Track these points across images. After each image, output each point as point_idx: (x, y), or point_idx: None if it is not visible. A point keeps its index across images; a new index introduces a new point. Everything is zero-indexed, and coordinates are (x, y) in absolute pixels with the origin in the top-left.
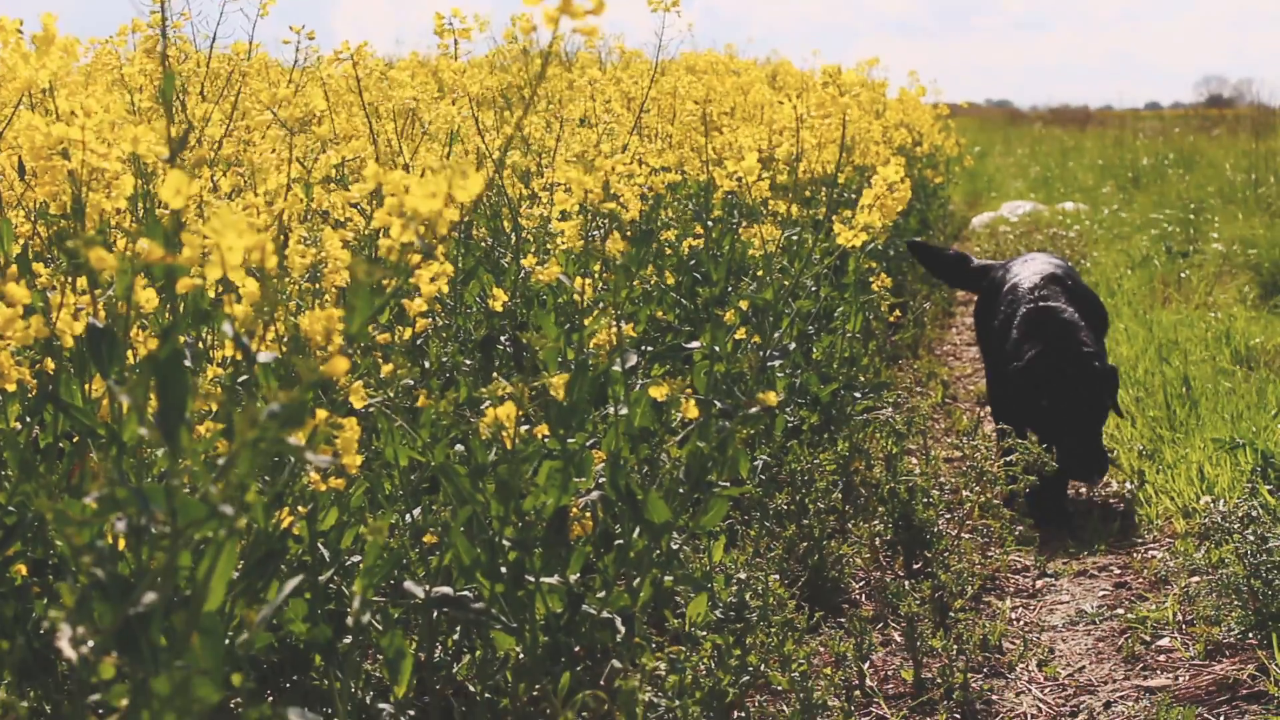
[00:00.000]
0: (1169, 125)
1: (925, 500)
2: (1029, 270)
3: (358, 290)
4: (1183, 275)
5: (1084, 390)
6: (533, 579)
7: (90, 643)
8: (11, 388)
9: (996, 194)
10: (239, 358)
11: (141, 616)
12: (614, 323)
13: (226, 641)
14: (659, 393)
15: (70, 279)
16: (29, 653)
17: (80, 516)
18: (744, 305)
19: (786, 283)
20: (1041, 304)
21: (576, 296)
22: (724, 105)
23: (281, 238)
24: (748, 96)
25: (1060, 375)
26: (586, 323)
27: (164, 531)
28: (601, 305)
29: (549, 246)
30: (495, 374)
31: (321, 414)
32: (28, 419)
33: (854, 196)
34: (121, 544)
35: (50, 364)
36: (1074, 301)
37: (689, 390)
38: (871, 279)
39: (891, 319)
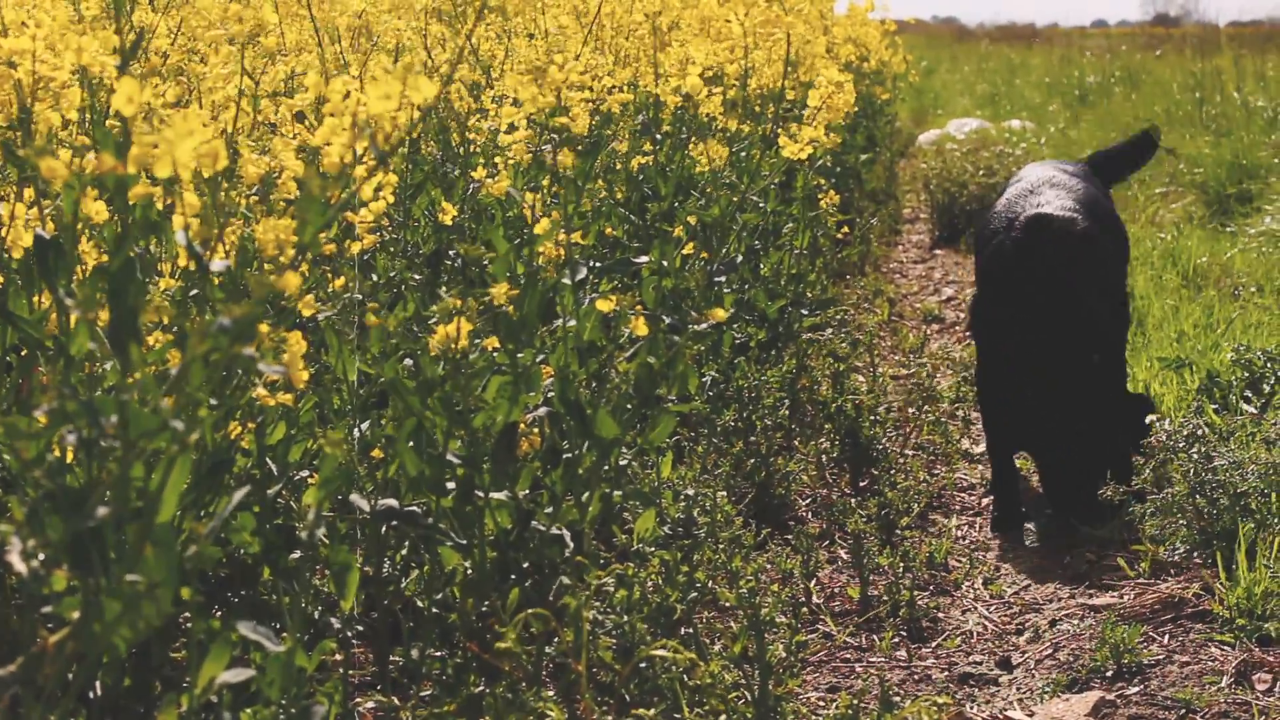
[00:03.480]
0: (1115, 43)
1: (872, 418)
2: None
3: (309, 201)
4: (1129, 194)
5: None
6: (481, 494)
7: (41, 556)
8: None
9: (943, 111)
10: (191, 267)
11: (93, 530)
12: (562, 235)
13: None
14: (606, 306)
15: (19, 191)
16: None
17: (29, 430)
18: (691, 221)
19: (735, 199)
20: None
21: (525, 210)
22: (670, 18)
23: (230, 151)
24: (696, 10)
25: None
26: (537, 231)
27: (115, 445)
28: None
29: (498, 160)
30: (443, 289)
31: (264, 328)
32: None
33: (802, 112)
34: (70, 457)
35: None
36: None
37: (638, 305)
38: (820, 195)
39: (839, 235)
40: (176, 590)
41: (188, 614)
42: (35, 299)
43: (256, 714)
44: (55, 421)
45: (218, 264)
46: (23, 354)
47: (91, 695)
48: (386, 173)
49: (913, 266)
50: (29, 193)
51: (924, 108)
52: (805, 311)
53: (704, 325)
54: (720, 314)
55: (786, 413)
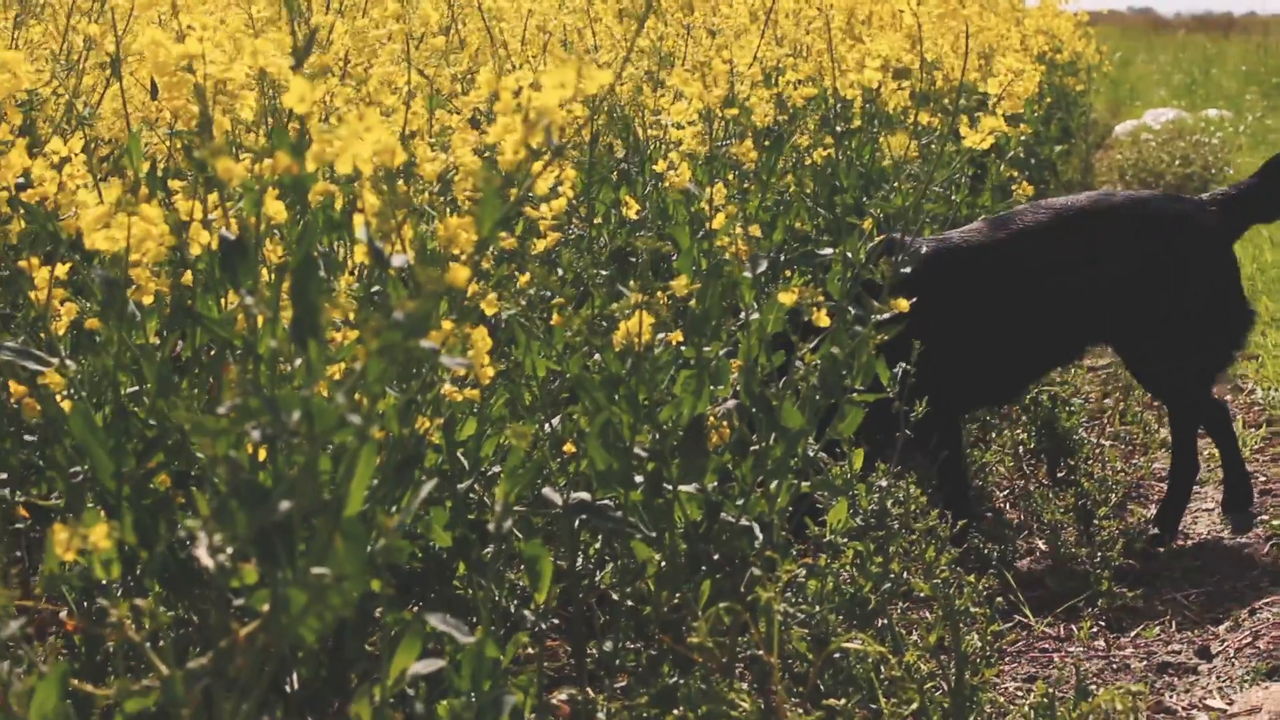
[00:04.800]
0: None
1: (1068, 409)
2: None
3: (485, 197)
4: None
5: None
6: (670, 487)
7: (229, 550)
8: (149, 300)
9: (1139, 102)
10: (372, 263)
11: (281, 524)
12: (740, 229)
13: (368, 549)
14: (789, 299)
15: (203, 194)
16: (173, 563)
17: (216, 427)
18: (876, 213)
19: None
20: None
21: (704, 205)
22: (861, 14)
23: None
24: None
25: None
26: (714, 225)
27: (299, 440)
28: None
29: (674, 155)
30: (628, 284)
31: (448, 325)
32: (165, 333)
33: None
34: (263, 454)
35: (188, 277)
36: None
37: (821, 296)
38: (1013, 187)
39: None
40: (365, 583)
41: (381, 607)
42: (223, 300)
43: (450, 706)
44: (240, 418)
45: (397, 259)
46: (212, 353)
47: (288, 688)
48: (565, 168)
49: None
50: (212, 197)
51: (1119, 99)
52: None
53: (888, 315)
54: (904, 304)
55: None
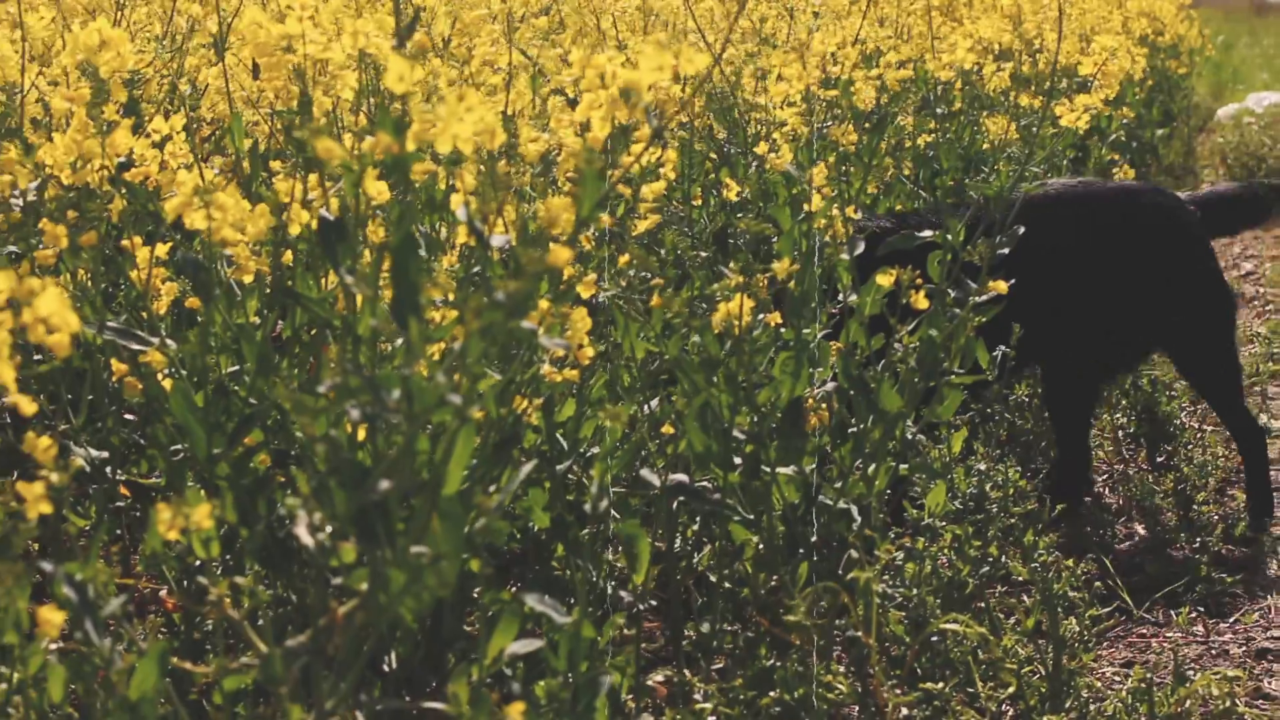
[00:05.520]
0: None
1: (1169, 394)
2: None
3: (586, 176)
4: None
5: None
6: (768, 469)
7: (328, 529)
8: (249, 279)
9: (1242, 86)
10: (473, 244)
11: (378, 502)
12: (841, 211)
13: (466, 529)
14: (887, 281)
15: (303, 174)
16: (272, 542)
17: (316, 406)
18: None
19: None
20: None
21: (805, 186)
22: None
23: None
24: None
25: None
26: (813, 208)
27: (398, 420)
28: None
29: (776, 136)
30: (727, 266)
31: (544, 304)
32: (265, 313)
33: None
34: (362, 434)
35: (288, 256)
36: None
37: (919, 279)
38: (1115, 170)
39: None
40: (463, 562)
41: (479, 587)
42: (323, 280)
43: (547, 686)
44: (340, 397)
45: (497, 239)
46: (312, 333)
47: (385, 667)
48: (665, 150)
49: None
50: (313, 177)
51: (1222, 82)
52: None
53: (986, 297)
54: (1002, 286)
55: None
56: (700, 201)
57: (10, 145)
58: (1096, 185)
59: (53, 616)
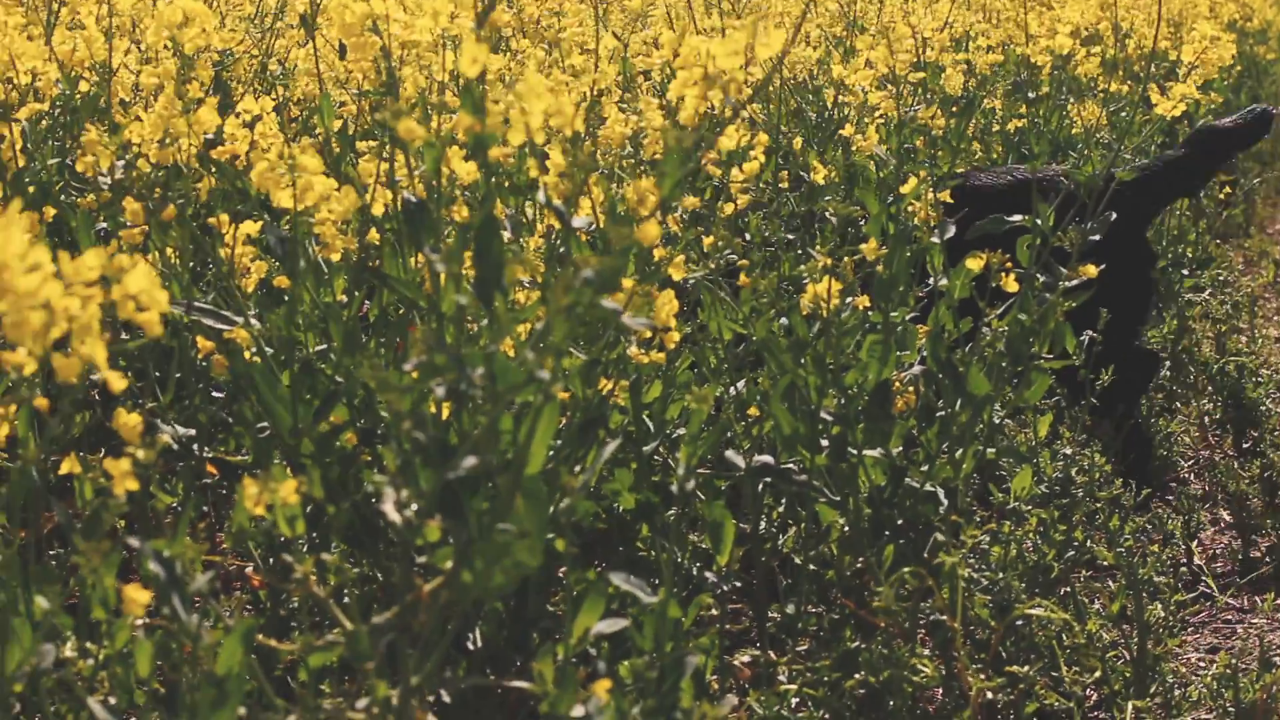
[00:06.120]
0: None
1: (1255, 380)
2: None
3: (668, 155)
4: None
5: None
6: (855, 452)
7: (413, 506)
8: (336, 258)
9: None
10: (557, 226)
11: (463, 480)
12: (931, 194)
13: (550, 509)
14: (976, 265)
15: (386, 153)
16: (358, 520)
17: (402, 384)
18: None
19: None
20: None
21: (893, 169)
22: None
23: (596, 111)
24: None
25: None
26: (903, 190)
27: (483, 398)
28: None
29: (865, 119)
30: (815, 249)
31: (628, 283)
32: (353, 292)
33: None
34: (446, 412)
35: (375, 236)
36: None
37: (1009, 263)
38: None
39: (1222, 196)
40: (547, 541)
41: (564, 567)
42: (411, 260)
43: (632, 665)
44: (425, 375)
45: (579, 220)
46: (399, 313)
47: (470, 645)
48: (756, 132)
49: None
50: (399, 156)
51: None
52: (1185, 272)
53: (1075, 282)
54: (1091, 270)
55: (1167, 373)
56: (787, 184)
57: (92, 126)
58: None
59: (140, 593)
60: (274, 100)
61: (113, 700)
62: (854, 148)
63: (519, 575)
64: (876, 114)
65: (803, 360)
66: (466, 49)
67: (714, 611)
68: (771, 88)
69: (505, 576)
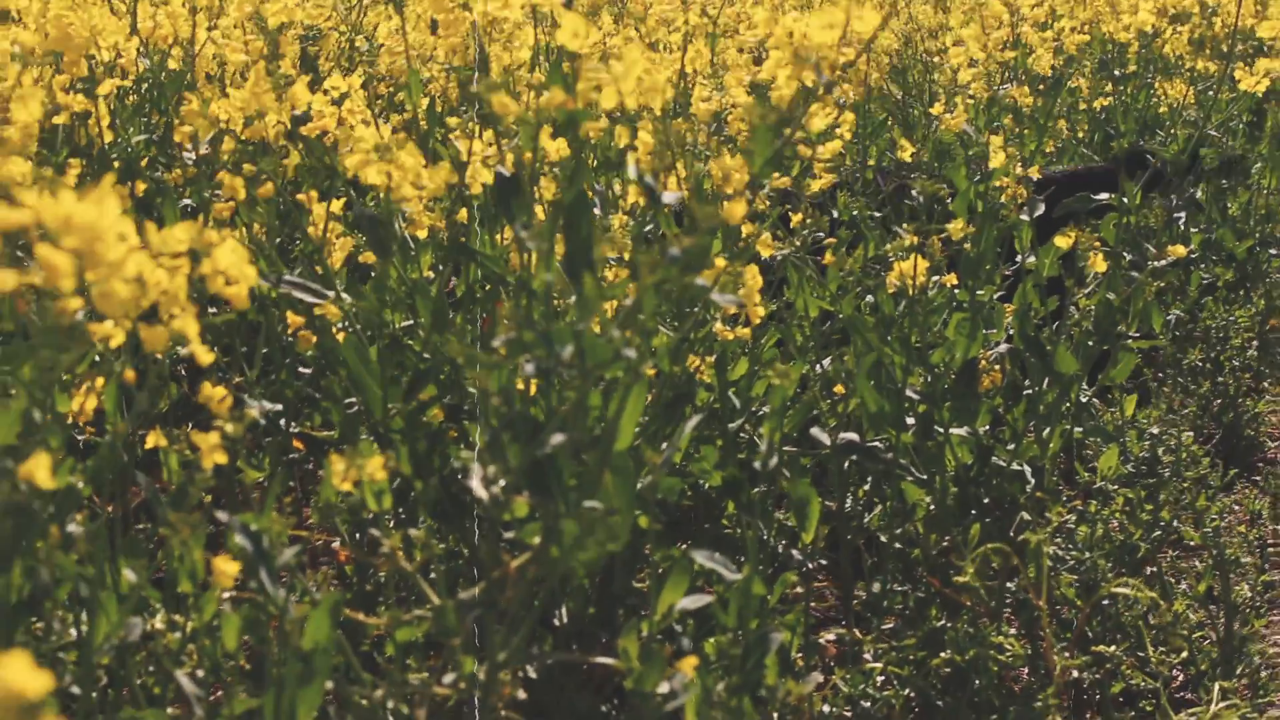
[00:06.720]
0: None
1: None
2: None
3: (758, 132)
4: None
5: None
6: (941, 430)
7: (501, 482)
8: (423, 234)
9: None
10: (644, 202)
11: (551, 456)
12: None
13: (637, 485)
14: (1064, 243)
15: (479, 130)
16: (445, 495)
17: (490, 360)
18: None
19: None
20: None
21: (981, 146)
22: None
23: (684, 87)
24: None
25: None
26: (992, 166)
27: (572, 374)
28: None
29: (957, 99)
30: (902, 227)
31: (720, 261)
32: (440, 268)
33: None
34: (534, 389)
35: (463, 214)
36: None
37: (1097, 242)
38: None
39: None
40: (634, 518)
41: (650, 544)
42: (498, 236)
43: (717, 642)
44: (513, 352)
45: (669, 196)
46: (486, 289)
47: (556, 622)
48: (843, 111)
49: None
50: (488, 133)
51: None
52: (1274, 252)
53: (1163, 262)
54: (1180, 250)
55: (1255, 353)
56: (875, 161)
57: (192, 96)
58: None
59: (227, 566)
60: (362, 76)
61: (199, 673)
62: (941, 127)
63: (606, 551)
64: (971, 90)
65: (889, 338)
66: (567, 23)
67: (799, 589)
68: (861, 67)
69: (592, 552)
